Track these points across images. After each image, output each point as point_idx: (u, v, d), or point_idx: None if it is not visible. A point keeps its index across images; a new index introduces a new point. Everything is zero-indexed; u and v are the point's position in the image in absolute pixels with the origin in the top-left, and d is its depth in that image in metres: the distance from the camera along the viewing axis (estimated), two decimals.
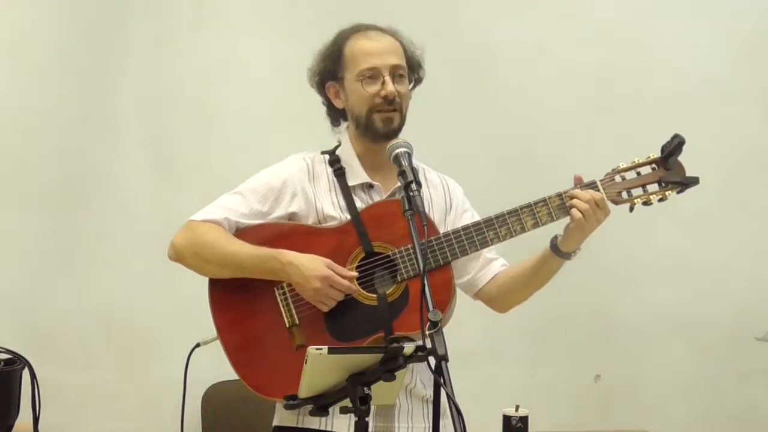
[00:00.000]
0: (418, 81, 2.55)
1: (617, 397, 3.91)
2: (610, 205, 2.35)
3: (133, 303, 3.66)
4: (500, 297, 2.53)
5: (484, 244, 2.34)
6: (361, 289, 2.35)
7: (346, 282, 2.31)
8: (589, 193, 2.32)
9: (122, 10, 3.71)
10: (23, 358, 2.39)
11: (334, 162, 2.50)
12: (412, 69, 2.51)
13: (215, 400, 3.52)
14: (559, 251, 2.38)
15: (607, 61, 3.91)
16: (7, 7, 3.63)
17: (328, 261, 2.33)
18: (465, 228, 2.34)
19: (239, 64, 3.77)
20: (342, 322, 2.35)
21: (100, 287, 3.64)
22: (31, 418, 2.39)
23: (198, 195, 3.62)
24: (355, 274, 2.35)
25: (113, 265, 3.66)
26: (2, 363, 2.37)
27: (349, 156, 2.50)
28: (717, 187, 3.87)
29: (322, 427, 2.37)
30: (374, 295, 2.34)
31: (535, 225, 2.35)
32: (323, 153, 2.53)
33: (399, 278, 2.33)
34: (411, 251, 2.32)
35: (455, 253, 2.33)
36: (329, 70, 2.50)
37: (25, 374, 2.39)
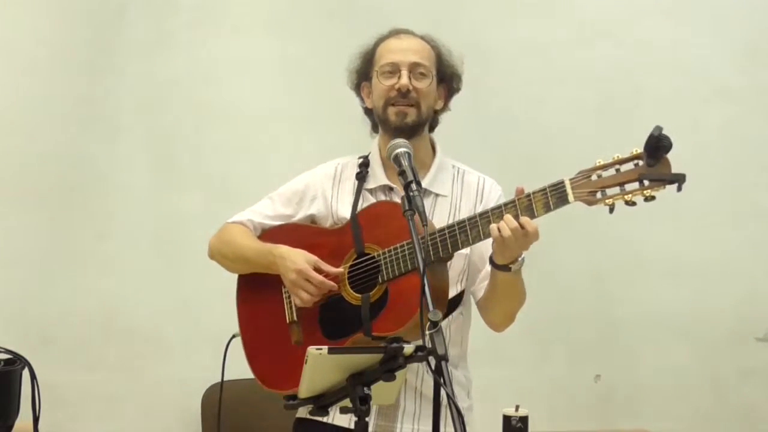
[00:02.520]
0: (454, 91, 2.57)
1: (617, 397, 3.91)
2: (582, 205, 2.21)
3: (133, 303, 3.66)
4: (484, 312, 2.51)
5: (455, 246, 2.29)
6: (350, 290, 2.38)
7: (319, 277, 2.35)
8: (518, 224, 2.18)
9: (122, 10, 3.71)
10: (23, 358, 2.39)
11: (362, 166, 2.54)
12: (444, 76, 2.53)
13: (215, 400, 3.52)
14: (495, 264, 2.30)
15: (608, 60, 3.91)
16: (7, 7, 3.63)
17: (313, 257, 2.38)
18: (440, 231, 2.30)
19: (239, 64, 3.77)
20: (333, 320, 2.39)
21: (100, 287, 3.64)
22: (31, 418, 2.39)
23: (198, 195, 3.66)
24: (339, 270, 2.37)
25: (113, 265, 3.67)
26: (2, 363, 2.37)
27: (374, 160, 2.54)
28: (717, 187, 3.88)
29: (328, 420, 2.40)
30: (359, 296, 2.36)
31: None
32: (360, 157, 2.58)
33: (380, 279, 2.33)
34: (393, 253, 2.32)
35: (429, 256, 2.28)
36: (363, 71, 2.55)
37: (25, 374, 2.39)
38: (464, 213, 2.48)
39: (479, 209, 2.47)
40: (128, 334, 3.66)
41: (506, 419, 2.59)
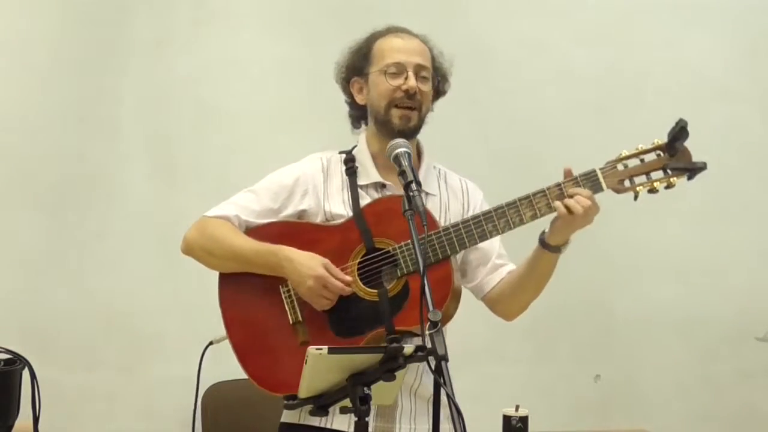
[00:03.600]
0: (441, 93, 2.57)
1: (617, 397, 3.91)
2: (611, 194, 2.32)
3: (133, 303, 3.65)
4: (502, 301, 2.52)
5: (483, 237, 2.33)
6: (363, 286, 2.36)
7: (339, 284, 2.33)
8: (588, 196, 2.28)
9: (122, 10, 3.71)
10: (23, 358, 2.39)
11: (349, 161, 2.52)
12: (437, 78, 2.53)
13: (215, 400, 3.52)
14: (548, 246, 2.36)
15: (607, 59, 3.91)
16: (7, 8, 3.63)
17: (326, 261, 2.35)
18: (464, 221, 2.34)
19: (239, 63, 3.77)
20: (344, 318, 2.36)
21: (100, 287, 3.64)
22: (31, 418, 2.39)
23: (198, 195, 3.65)
24: (350, 279, 2.36)
25: (113, 265, 3.66)
26: (2, 363, 2.37)
27: (363, 156, 2.52)
28: (717, 187, 3.87)
29: (323, 425, 2.38)
30: (375, 291, 2.34)
31: (534, 216, 2.32)
32: (341, 153, 2.56)
33: (399, 273, 2.33)
34: (411, 246, 2.31)
35: (454, 247, 2.33)
36: (356, 66, 2.53)
37: (25, 374, 2.39)
38: (453, 212, 2.51)
39: (468, 211, 2.52)
40: (128, 334, 3.65)
41: (506, 419, 2.59)
